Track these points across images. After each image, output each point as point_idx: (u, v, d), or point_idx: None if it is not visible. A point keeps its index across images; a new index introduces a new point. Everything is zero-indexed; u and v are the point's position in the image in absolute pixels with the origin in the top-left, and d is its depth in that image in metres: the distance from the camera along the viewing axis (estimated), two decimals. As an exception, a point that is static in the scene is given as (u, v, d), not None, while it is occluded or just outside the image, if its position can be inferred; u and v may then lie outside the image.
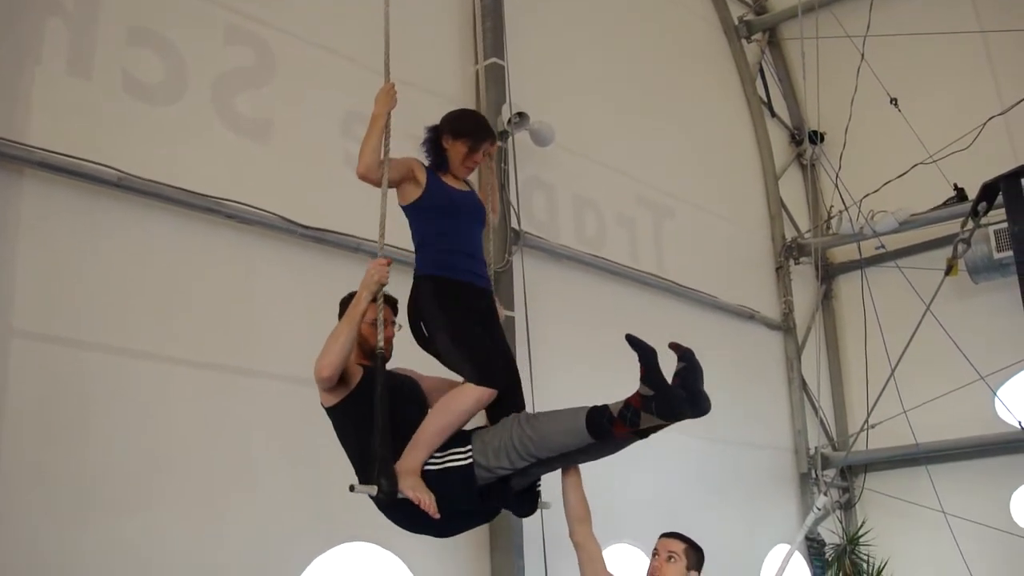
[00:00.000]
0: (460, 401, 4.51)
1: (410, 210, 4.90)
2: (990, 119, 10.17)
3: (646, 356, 4.23)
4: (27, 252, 5.98)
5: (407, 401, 4.71)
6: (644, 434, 4.42)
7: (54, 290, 6.07)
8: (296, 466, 6.72)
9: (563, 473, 4.85)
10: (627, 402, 4.20)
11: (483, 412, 4.70)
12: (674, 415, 4.18)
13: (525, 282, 8.43)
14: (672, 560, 5.08)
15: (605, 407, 4.25)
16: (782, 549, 10.53)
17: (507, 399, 4.62)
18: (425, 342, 4.77)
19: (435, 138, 4.98)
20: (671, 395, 4.15)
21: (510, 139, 8.76)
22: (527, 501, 4.77)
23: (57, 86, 6.30)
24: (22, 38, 6.20)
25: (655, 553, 5.16)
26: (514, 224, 8.67)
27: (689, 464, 9.94)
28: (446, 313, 4.66)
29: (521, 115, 8.66)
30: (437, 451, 4.46)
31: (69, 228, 6.21)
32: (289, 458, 6.73)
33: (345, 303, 4.85)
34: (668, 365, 4.34)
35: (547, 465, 4.58)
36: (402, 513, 4.58)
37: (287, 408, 6.68)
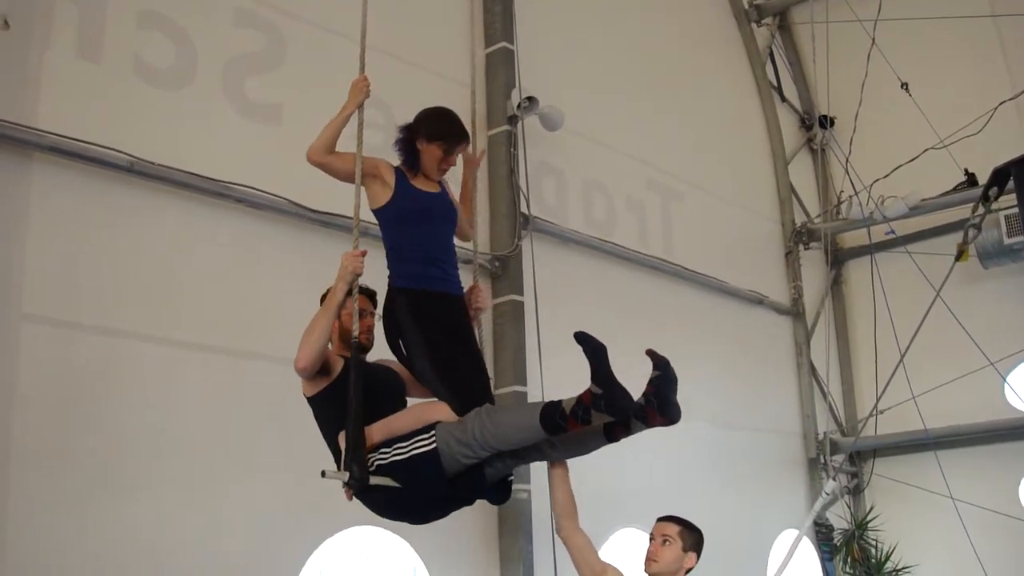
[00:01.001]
0: (434, 415, 4.52)
1: (380, 214, 4.86)
2: (1001, 104, 10.15)
3: (595, 354, 4.20)
4: (37, 237, 5.99)
5: (384, 393, 4.74)
6: (613, 437, 4.46)
7: (64, 275, 6.08)
8: (304, 449, 6.71)
9: (549, 467, 4.87)
10: (579, 399, 4.19)
11: None
12: (621, 412, 4.17)
13: (535, 266, 8.43)
14: (667, 543, 5.08)
15: (559, 403, 4.23)
16: (790, 534, 10.54)
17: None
18: (402, 358, 4.77)
19: (409, 139, 4.88)
20: (619, 393, 4.13)
21: (519, 123, 8.75)
22: (501, 490, 4.80)
23: (67, 70, 6.30)
24: (32, 21, 6.19)
25: (651, 537, 5.16)
26: (523, 209, 8.66)
27: (697, 449, 9.95)
28: (424, 334, 4.63)
29: (530, 99, 8.66)
30: (401, 441, 4.48)
31: (78, 212, 6.22)
32: (297, 442, 6.71)
33: (324, 299, 4.88)
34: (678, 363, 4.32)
35: (519, 458, 4.61)
36: (376, 500, 4.63)
37: (295, 392, 6.65)
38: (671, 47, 11.55)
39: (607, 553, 8.66)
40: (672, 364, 4.33)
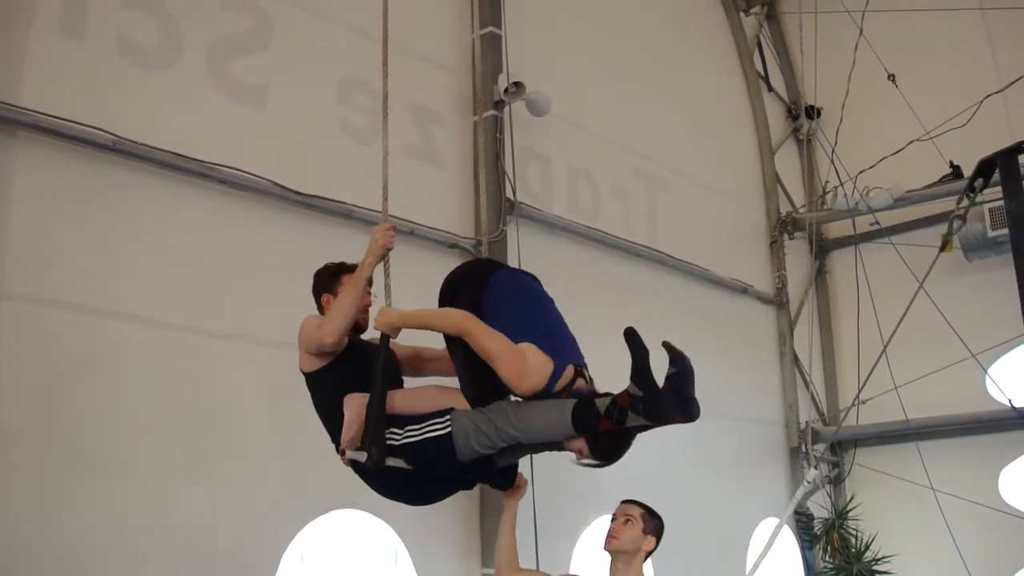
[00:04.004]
0: (449, 401, 4.57)
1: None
2: (987, 96, 10.14)
3: (640, 356, 4.20)
4: (19, 215, 5.95)
5: (382, 372, 4.71)
6: (629, 434, 4.41)
7: (46, 253, 6.05)
8: (288, 433, 6.72)
9: (505, 505, 5.15)
10: (614, 400, 4.19)
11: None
12: (661, 419, 4.16)
13: (520, 252, 8.41)
14: (629, 523, 5.18)
15: (591, 402, 4.24)
16: (771, 523, 10.57)
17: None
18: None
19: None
20: (661, 399, 4.13)
21: (506, 109, 8.74)
22: (506, 475, 4.86)
23: (51, 48, 6.26)
24: (15, -1, 6.16)
25: (614, 517, 5.23)
26: (509, 194, 8.65)
27: (679, 437, 9.87)
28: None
29: (517, 85, 8.64)
30: (414, 423, 4.49)
31: (62, 191, 6.19)
32: (281, 424, 6.73)
33: (320, 275, 4.92)
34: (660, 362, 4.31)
35: (533, 449, 4.64)
36: (379, 479, 4.64)
37: (279, 374, 6.65)
38: (659, 35, 11.55)
39: (586, 542, 8.68)
40: (688, 357, 4.26)
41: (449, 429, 4.41)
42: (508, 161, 8.70)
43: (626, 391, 4.18)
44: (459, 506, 7.76)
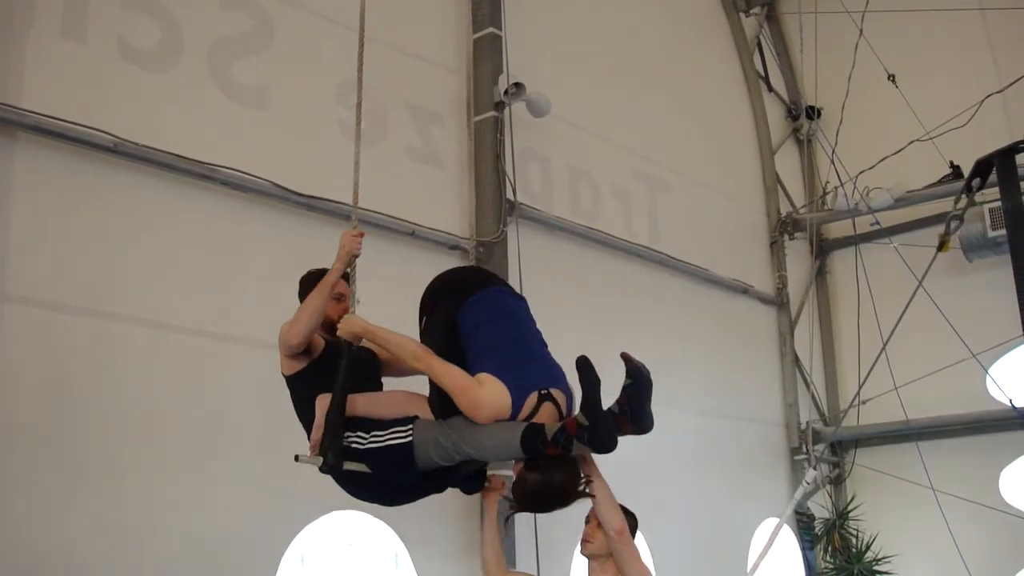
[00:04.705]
0: (414, 408, 4.63)
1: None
2: (988, 97, 10.15)
3: (590, 386, 4.21)
4: (20, 217, 5.96)
5: (363, 376, 4.81)
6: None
7: (47, 256, 6.05)
8: (287, 434, 6.71)
9: (485, 503, 5.16)
10: (563, 427, 4.22)
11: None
12: (604, 449, 4.21)
13: (520, 253, 8.42)
14: (601, 525, 5.15)
15: (541, 428, 4.26)
16: (771, 523, 10.58)
17: None
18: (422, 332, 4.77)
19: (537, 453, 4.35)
20: (606, 430, 4.17)
21: (506, 110, 8.74)
22: (473, 480, 4.89)
23: (51, 50, 6.26)
24: (16, 1, 6.15)
25: (587, 520, 5.20)
26: (509, 195, 8.65)
27: (680, 437, 9.95)
28: (443, 334, 4.62)
29: (518, 86, 8.63)
30: (379, 429, 4.55)
31: (62, 193, 6.19)
32: (281, 425, 6.72)
33: (304, 281, 5.04)
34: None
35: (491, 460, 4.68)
36: (348, 480, 4.73)
37: (278, 376, 6.67)
38: (659, 35, 11.55)
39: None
40: (647, 369, 4.30)
41: (410, 438, 4.47)
42: (508, 162, 8.70)
43: (574, 419, 4.21)
44: (459, 507, 7.77)
